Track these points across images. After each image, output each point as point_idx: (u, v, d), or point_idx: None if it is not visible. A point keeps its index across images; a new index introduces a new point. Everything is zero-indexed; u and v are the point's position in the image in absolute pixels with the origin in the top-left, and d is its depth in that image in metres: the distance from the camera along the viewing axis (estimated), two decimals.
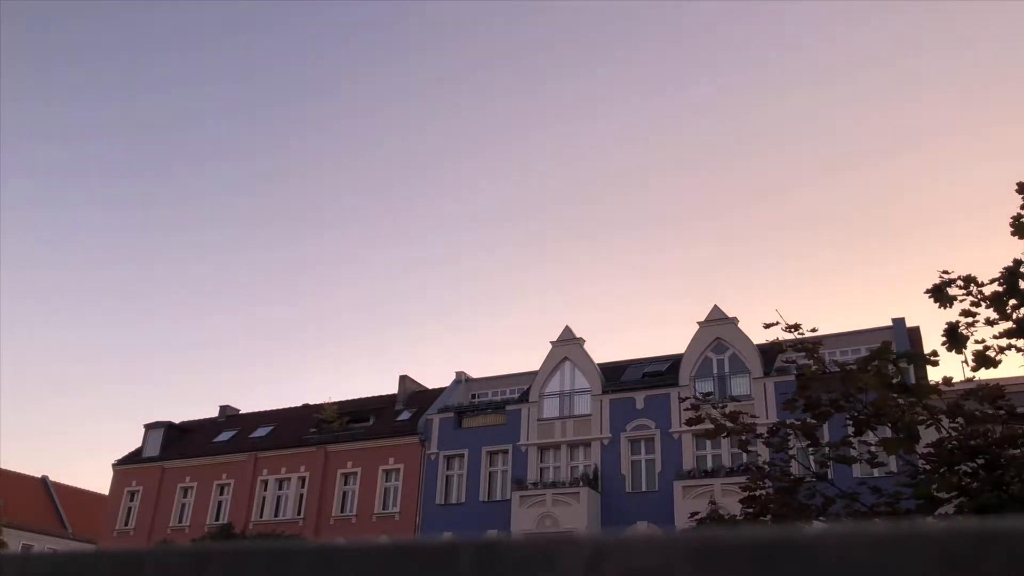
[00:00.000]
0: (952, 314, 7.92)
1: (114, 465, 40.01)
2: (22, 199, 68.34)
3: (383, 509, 32.92)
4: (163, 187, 71.15)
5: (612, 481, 29.45)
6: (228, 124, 70.17)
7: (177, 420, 41.32)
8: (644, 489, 29.08)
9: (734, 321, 30.40)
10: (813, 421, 8.23)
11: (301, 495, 34.75)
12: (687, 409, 9.55)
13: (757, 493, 8.68)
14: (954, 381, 7.72)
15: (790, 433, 8.62)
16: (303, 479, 34.96)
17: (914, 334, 28.32)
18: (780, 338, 8.67)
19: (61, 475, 71.56)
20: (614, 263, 64.16)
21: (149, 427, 40.28)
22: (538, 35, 67.06)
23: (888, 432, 7.62)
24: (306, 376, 69.31)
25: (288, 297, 72.79)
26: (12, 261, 66.92)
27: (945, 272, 8.00)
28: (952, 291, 7.97)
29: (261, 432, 38.18)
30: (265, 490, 35.67)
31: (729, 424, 8.81)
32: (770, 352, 26.63)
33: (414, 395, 37.48)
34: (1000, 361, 7.72)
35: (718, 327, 30.40)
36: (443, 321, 67.32)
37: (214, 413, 42.25)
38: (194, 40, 69.43)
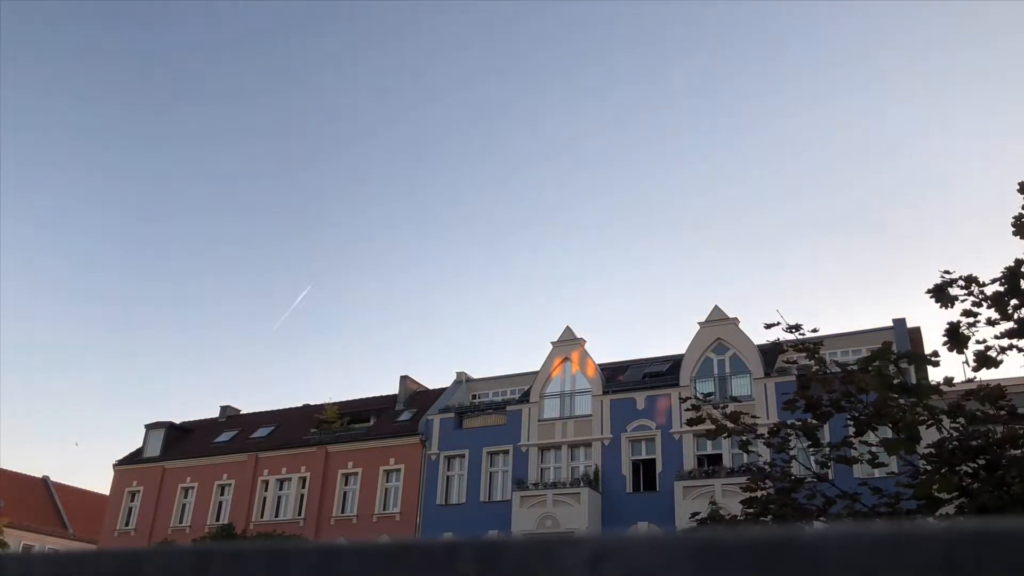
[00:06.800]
0: (953, 314, 7.91)
1: (115, 465, 40.03)
2: (21, 196, 68.40)
3: (383, 509, 32.92)
4: (163, 186, 71.20)
5: (613, 481, 29.45)
6: (227, 118, 70.22)
7: (178, 420, 41.37)
8: (644, 489, 29.08)
9: (735, 321, 30.39)
10: (814, 421, 8.23)
11: (302, 495, 34.77)
12: (687, 409, 9.55)
13: (758, 494, 8.67)
14: (955, 381, 7.71)
15: (791, 433, 8.62)
16: (304, 479, 34.97)
17: (915, 334, 28.32)
18: (781, 339, 8.67)
19: (62, 475, 71.62)
20: (615, 263, 64.21)
21: (150, 427, 40.31)
22: (544, 35, 67.09)
23: (889, 432, 7.61)
24: (307, 376, 69.44)
25: (289, 297, 72.82)
26: (12, 261, 66.98)
27: (946, 272, 7.99)
28: (953, 291, 7.96)
29: (262, 432, 38.20)
30: (266, 490, 35.68)
31: (730, 425, 8.81)
32: (771, 352, 26.64)
33: (415, 395, 37.50)
34: (1001, 361, 7.71)
35: (719, 327, 30.40)
36: (443, 321, 67.39)
37: (215, 413, 42.29)
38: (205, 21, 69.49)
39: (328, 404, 38.00)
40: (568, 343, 32.74)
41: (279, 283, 72.51)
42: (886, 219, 60.16)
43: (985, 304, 7.81)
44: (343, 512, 33.75)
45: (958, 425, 7.59)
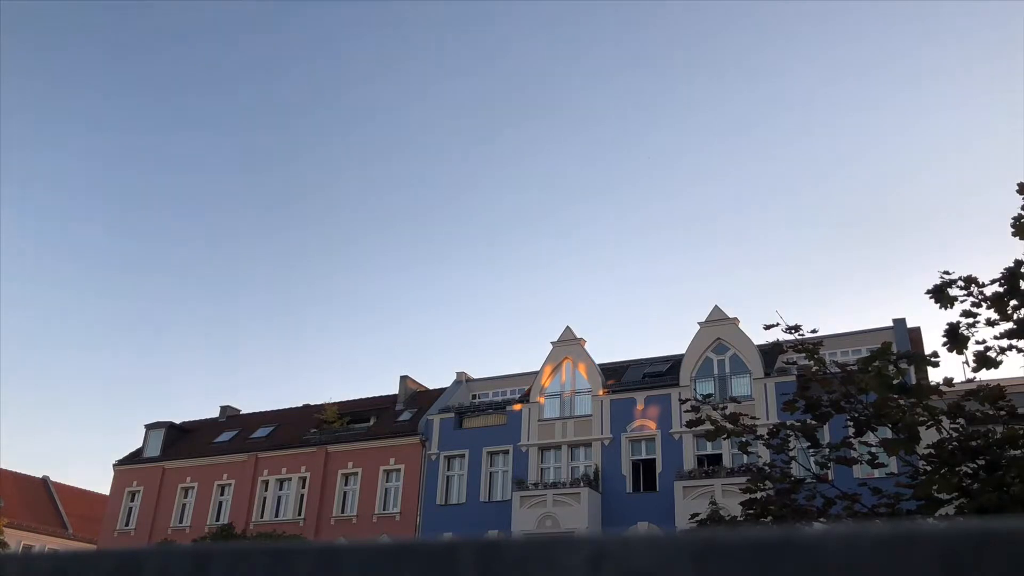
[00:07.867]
0: (953, 315, 7.93)
1: (115, 465, 40.02)
2: (24, 201, 68.38)
3: (383, 509, 32.92)
4: (164, 186, 71.21)
5: (613, 481, 29.45)
6: (227, 118, 70.21)
7: (178, 420, 41.36)
8: (644, 489, 29.08)
9: (735, 322, 30.39)
10: (813, 422, 8.23)
11: (301, 495, 34.76)
12: (687, 411, 9.55)
13: (758, 495, 8.68)
14: (955, 382, 7.72)
15: (790, 434, 8.62)
16: (304, 479, 34.97)
17: (915, 335, 28.33)
18: (781, 339, 8.67)
19: (62, 475, 71.64)
20: (615, 263, 64.21)
21: (150, 427, 40.30)
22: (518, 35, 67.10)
23: (889, 433, 7.61)
24: (307, 376, 69.43)
25: (289, 297, 72.85)
26: (13, 260, 66.97)
27: (946, 272, 8.00)
28: (953, 292, 7.97)
29: (262, 432, 38.20)
30: (266, 490, 35.68)
31: (729, 426, 8.82)
32: (771, 352, 26.65)
33: (415, 395, 37.50)
34: (1001, 362, 7.72)
35: (719, 327, 30.40)
36: (443, 321, 67.40)
37: (215, 413, 42.28)
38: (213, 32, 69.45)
39: (328, 404, 37.99)
40: (568, 343, 32.73)
41: (280, 283, 72.52)
42: (886, 219, 60.20)
43: (985, 304, 7.82)
44: (343, 512, 33.75)
45: (958, 425, 7.59)
